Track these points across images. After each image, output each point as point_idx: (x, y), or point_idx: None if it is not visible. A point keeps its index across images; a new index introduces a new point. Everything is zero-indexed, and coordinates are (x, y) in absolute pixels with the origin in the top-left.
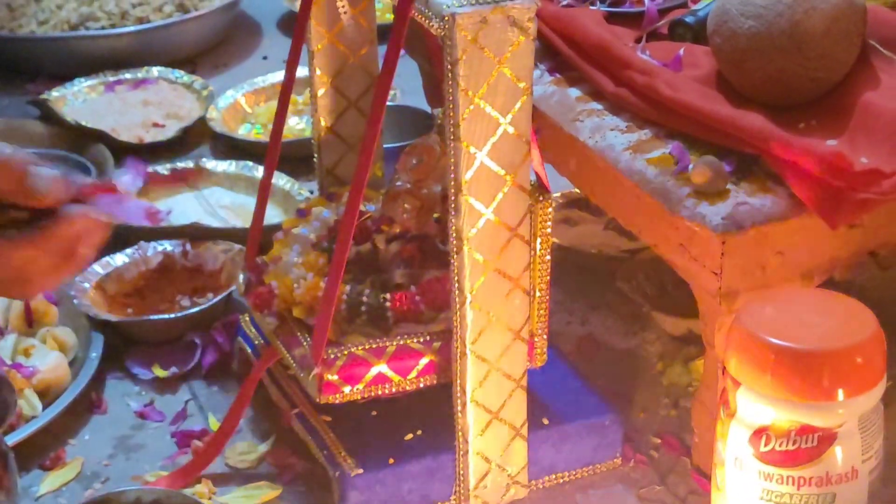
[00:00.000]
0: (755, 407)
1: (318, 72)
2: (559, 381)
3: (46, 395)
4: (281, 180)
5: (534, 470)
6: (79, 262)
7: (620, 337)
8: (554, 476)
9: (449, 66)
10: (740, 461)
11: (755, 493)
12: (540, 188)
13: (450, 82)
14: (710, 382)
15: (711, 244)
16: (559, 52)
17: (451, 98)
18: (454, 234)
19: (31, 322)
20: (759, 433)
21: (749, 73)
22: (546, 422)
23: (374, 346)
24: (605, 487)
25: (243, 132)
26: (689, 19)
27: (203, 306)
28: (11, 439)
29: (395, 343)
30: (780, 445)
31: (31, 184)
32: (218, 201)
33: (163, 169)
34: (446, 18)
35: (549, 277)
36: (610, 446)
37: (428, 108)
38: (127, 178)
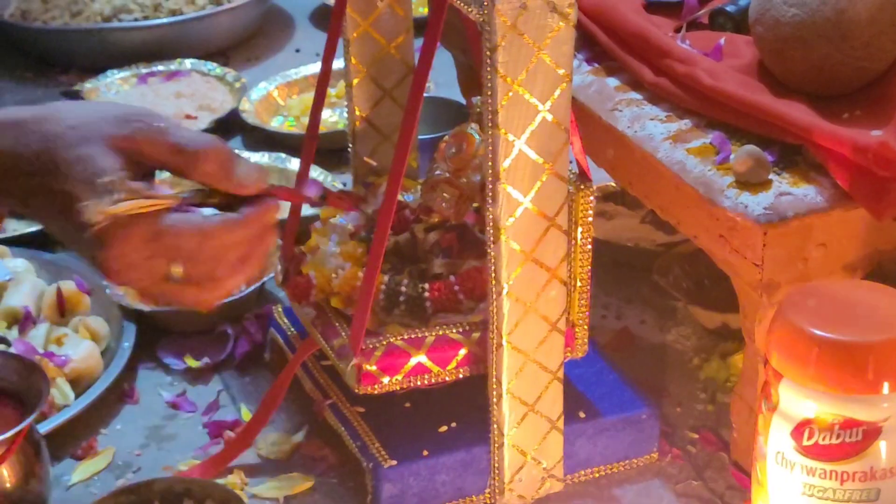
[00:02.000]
0: (798, 400)
1: (353, 61)
2: (595, 375)
3: (78, 384)
4: (314, 172)
5: (569, 463)
6: (255, 262)
7: (656, 331)
8: (590, 470)
9: (487, 53)
10: (782, 455)
11: (797, 488)
12: (581, 177)
13: (488, 69)
14: (750, 376)
15: (753, 235)
16: (598, 41)
17: (489, 85)
18: (491, 224)
19: (63, 311)
20: (802, 427)
21: (792, 62)
22: (582, 415)
23: (412, 336)
24: (642, 482)
25: (276, 124)
26: (730, 8)
27: (236, 297)
28: (43, 428)
29: (433, 333)
30: (823, 439)
31: (238, 171)
32: None
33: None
34: (485, 4)
35: (590, 267)
36: (646, 441)
37: (462, 100)
38: (311, 189)
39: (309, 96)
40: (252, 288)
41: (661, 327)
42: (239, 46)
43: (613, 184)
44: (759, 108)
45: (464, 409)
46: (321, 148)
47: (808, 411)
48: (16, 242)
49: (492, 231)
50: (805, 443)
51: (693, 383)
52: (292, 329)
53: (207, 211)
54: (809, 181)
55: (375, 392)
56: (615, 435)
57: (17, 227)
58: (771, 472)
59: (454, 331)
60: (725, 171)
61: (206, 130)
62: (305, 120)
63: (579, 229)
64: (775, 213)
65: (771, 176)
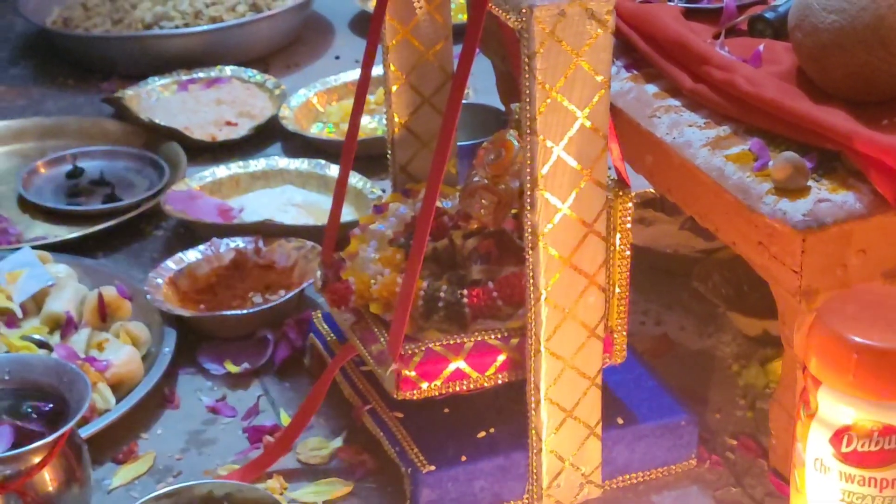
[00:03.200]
0: (837, 407)
1: (392, 68)
2: (634, 381)
3: (119, 388)
4: (353, 178)
5: (608, 469)
6: None
7: (696, 337)
8: (628, 476)
9: (526, 60)
10: (821, 462)
11: (836, 494)
12: (619, 183)
13: (527, 76)
14: (789, 383)
15: (792, 242)
16: (636, 48)
17: (527, 92)
18: (529, 230)
19: (104, 316)
20: (841, 434)
21: (831, 68)
22: (621, 421)
23: (451, 342)
24: (680, 488)
25: (315, 131)
26: (769, 15)
27: (275, 302)
28: (85, 432)
29: (472, 339)
30: (862, 446)
31: None
32: (290, 199)
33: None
34: (524, 11)
35: (628, 273)
36: (685, 447)
37: (501, 107)
38: None
39: (348, 103)
40: (292, 293)
41: (701, 333)
42: (279, 53)
43: (653, 190)
44: (797, 114)
45: (502, 415)
46: (360, 154)
47: (846, 418)
48: (58, 248)
49: (530, 237)
50: (844, 449)
51: (732, 390)
52: (332, 334)
53: None
54: (848, 187)
55: (414, 397)
56: (654, 441)
57: (59, 233)
58: (809, 479)
59: (493, 337)
60: (764, 177)
61: (246, 137)
62: (344, 126)
63: (618, 235)
64: (814, 220)
65: (810, 182)
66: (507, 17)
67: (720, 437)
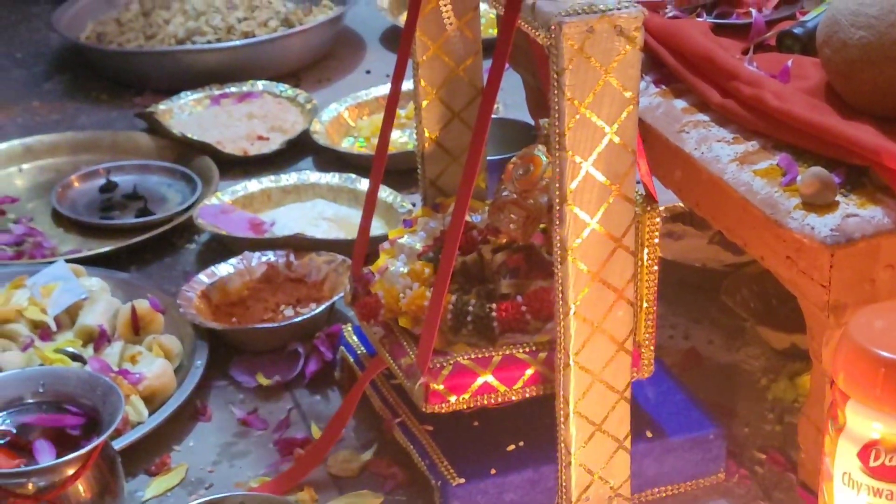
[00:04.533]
0: (864, 421)
1: (422, 83)
2: (663, 395)
3: (152, 401)
4: (384, 192)
5: (636, 483)
6: None
7: (724, 351)
8: (656, 489)
9: (555, 76)
10: (849, 476)
11: None
12: (647, 198)
13: (555, 92)
14: (817, 397)
15: (820, 256)
16: (665, 63)
17: (556, 107)
18: (558, 245)
19: (137, 329)
20: (869, 448)
21: (859, 84)
22: (649, 435)
23: (480, 355)
24: (709, 502)
25: (346, 145)
26: (797, 30)
27: (306, 316)
28: (118, 444)
29: (500, 353)
30: (890, 460)
31: None
32: (321, 213)
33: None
34: (553, 27)
35: (656, 288)
36: (713, 461)
37: (530, 121)
38: None
39: (379, 117)
40: (323, 307)
41: (729, 347)
42: (310, 68)
43: (682, 204)
44: (825, 130)
45: (531, 428)
46: (391, 169)
47: (874, 432)
48: (92, 262)
49: (559, 252)
50: (872, 464)
51: (761, 403)
52: (362, 348)
53: None
54: (876, 202)
55: (443, 411)
56: (682, 455)
57: (92, 247)
58: (838, 494)
59: (521, 350)
60: (792, 192)
61: (278, 151)
62: (375, 141)
63: (646, 250)
64: (842, 235)
65: (838, 197)
66: (537, 33)
67: (749, 451)
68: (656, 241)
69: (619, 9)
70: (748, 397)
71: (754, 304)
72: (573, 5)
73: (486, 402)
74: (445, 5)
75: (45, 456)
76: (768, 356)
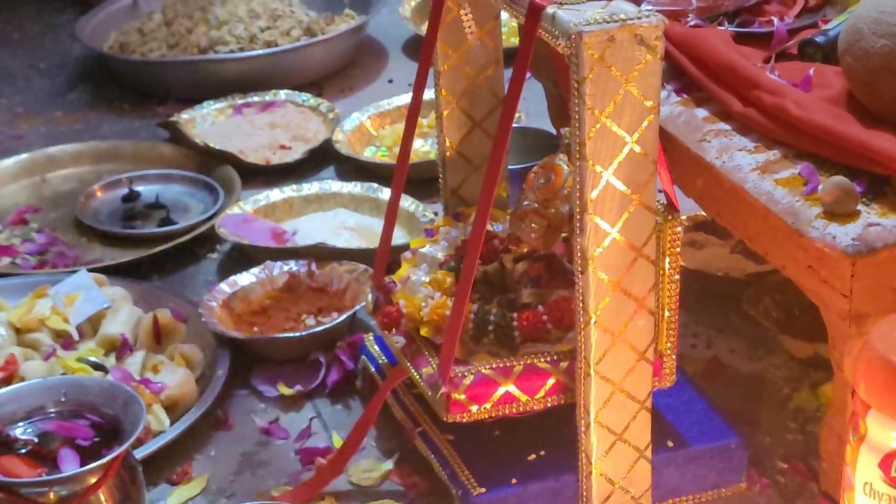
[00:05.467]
0: (886, 431)
1: (443, 92)
2: (684, 404)
3: (174, 410)
4: (406, 202)
5: (657, 492)
6: None
7: (746, 360)
8: (678, 499)
9: (575, 85)
10: (870, 486)
11: None
12: (669, 207)
13: (576, 101)
14: (839, 406)
15: (841, 266)
16: (686, 72)
17: (577, 117)
18: (579, 254)
19: (159, 339)
20: (890, 458)
21: (881, 92)
22: (671, 444)
23: (501, 365)
24: None
25: (368, 154)
26: (819, 39)
27: (328, 325)
28: (140, 453)
29: (522, 362)
30: None
31: None
32: (343, 222)
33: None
34: (573, 37)
35: (678, 297)
36: (735, 470)
37: (552, 130)
38: None
39: (401, 126)
40: (344, 316)
41: (752, 357)
42: (333, 77)
43: (704, 213)
44: (847, 138)
45: (552, 438)
46: (413, 177)
47: (895, 442)
48: (114, 271)
49: (579, 261)
50: (893, 474)
51: (783, 413)
52: (383, 357)
53: None
54: None
55: (464, 420)
56: (704, 464)
57: (115, 256)
58: None
59: (542, 360)
60: (814, 201)
61: (300, 160)
62: (397, 150)
63: (667, 259)
64: (863, 244)
65: (859, 207)
66: (557, 42)
67: (771, 461)
68: (678, 250)
69: (639, 18)
70: (770, 406)
71: (777, 313)
72: (593, 14)
73: (507, 411)
74: (466, 14)
75: (70, 465)
76: (791, 365)
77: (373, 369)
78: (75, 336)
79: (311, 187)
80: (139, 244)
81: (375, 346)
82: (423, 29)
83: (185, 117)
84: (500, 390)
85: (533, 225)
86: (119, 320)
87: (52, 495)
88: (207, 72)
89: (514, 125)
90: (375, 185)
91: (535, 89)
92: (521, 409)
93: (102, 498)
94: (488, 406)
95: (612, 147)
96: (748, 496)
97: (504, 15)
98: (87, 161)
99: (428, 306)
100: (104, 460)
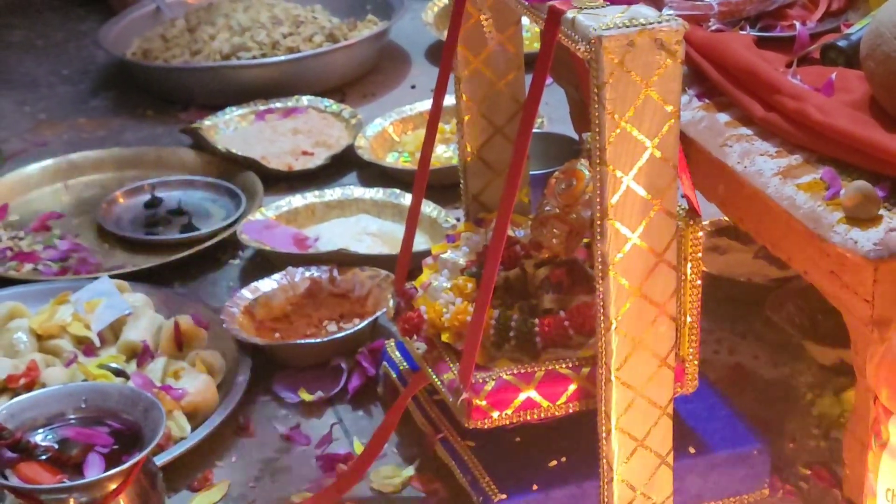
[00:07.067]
0: None
1: (464, 97)
2: (707, 410)
3: (195, 416)
4: (428, 208)
5: (679, 499)
6: None
7: (769, 366)
8: None
9: (595, 90)
10: (892, 493)
11: None
12: (690, 212)
13: (596, 106)
14: (862, 412)
15: (863, 271)
16: (707, 77)
17: (597, 122)
18: (599, 259)
19: (180, 345)
20: None
21: None
22: (692, 450)
23: (522, 371)
24: None
25: (391, 160)
26: (841, 43)
27: (349, 331)
28: (160, 460)
29: (543, 368)
30: None
31: None
32: (365, 228)
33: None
34: (593, 41)
35: (699, 302)
36: (758, 476)
37: (574, 135)
38: None
39: (423, 132)
40: (366, 322)
41: (775, 363)
42: (355, 83)
43: (725, 217)
44: (869, 143)
45: (573, 444)
46: (435, 183)
47: None
48: (135, 277)
49: (600, 267)
50: None
51: (806, 419)
52: (404, 363)
53: None
54: None
55: (485, 426)
56: (726, 470)
57: (137, 263)
58: None
59: (564, 366)
60: (835, 206)
61: (322, 166)
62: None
63: (688, 265)
64: (886, 249)
65: (881, 211)
66: (577, 47)
67: (794, 467)
68: (699, 255)
69: (659, 22)
70: (793, 413)
71: (800, 318)
72: (613, 19)
73: (528, 417)
74: (487, 19)
75: (95, 471)
76: (814, 371)
77: (394, 375)
78: (97, 342)
79: (333, 193)
80: (161, 250)
81: (397, 352)
82: (445, 34)
83: (207, 123)
84: (522, 396)
85: (554, 230)
86: (140, 327)
87: (72, 501)
88: (230, 78)
89: (535, 130)
90: (398, 190)
91: (558, 94)
92: (542, 414)
93: None
94: (509, 412)
95: (633, 152)
96: (771, 503)
97: (525, 20)
98: (109, 167)
99: (449, 312)
100: (124, 466)
